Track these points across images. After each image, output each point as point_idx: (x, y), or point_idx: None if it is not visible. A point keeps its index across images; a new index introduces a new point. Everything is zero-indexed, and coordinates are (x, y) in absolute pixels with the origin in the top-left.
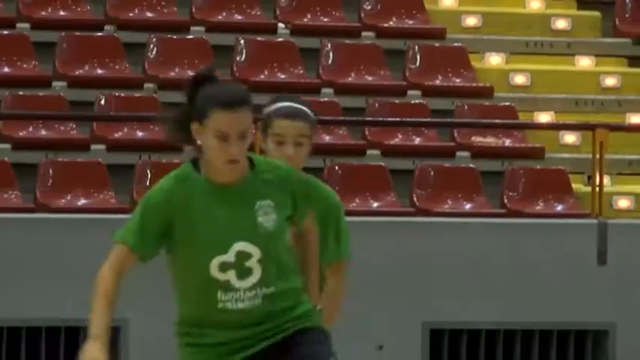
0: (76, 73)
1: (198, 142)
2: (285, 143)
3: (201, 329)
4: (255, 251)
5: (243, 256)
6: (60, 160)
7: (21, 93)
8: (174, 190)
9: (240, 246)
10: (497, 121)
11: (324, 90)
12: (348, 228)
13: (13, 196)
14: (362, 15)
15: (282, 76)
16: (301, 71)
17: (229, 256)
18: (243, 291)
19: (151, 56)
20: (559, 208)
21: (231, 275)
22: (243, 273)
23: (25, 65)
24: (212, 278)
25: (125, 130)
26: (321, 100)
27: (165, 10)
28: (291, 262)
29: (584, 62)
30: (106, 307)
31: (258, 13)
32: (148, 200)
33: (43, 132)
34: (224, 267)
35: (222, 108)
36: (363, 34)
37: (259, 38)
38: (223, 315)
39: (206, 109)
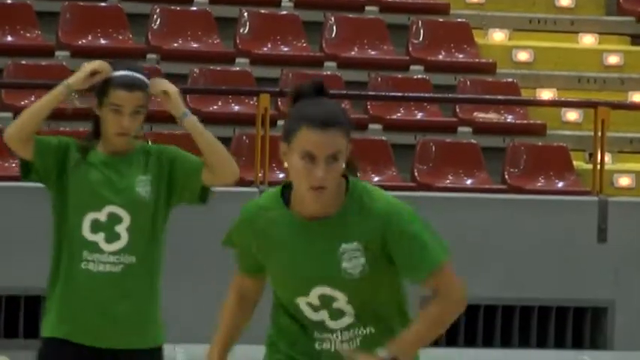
0: (79, 42)
1: (286, 164)
2: (122, 114)
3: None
4: (340, 295)
5: (327, 299)
6: (61, 129)
7: (24, 62)
8: (255, 218)
9: (321, 290)
10: (499, 97)
11: (327, 63)
12: None
13: (14, 164)
14: None
15: (286, 49)
16: (304, 44)
17: (312, 299)
18: (339, 332)
19: (155, 27)
20: (560, 184)
21: (324, 315)
22: (335, 315)
23: (28, 34)
24: (303, 314)
25: None
26: (324, 73)
27: None
28: (393, 301)
29: (588, 40)
30: (224, 330)
31: None
32: (233, 227)
33: None
34: (313, 307)
35: (310, 126)
36: (367, 8)
37: (263, 11)
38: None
39: (294, 127)
